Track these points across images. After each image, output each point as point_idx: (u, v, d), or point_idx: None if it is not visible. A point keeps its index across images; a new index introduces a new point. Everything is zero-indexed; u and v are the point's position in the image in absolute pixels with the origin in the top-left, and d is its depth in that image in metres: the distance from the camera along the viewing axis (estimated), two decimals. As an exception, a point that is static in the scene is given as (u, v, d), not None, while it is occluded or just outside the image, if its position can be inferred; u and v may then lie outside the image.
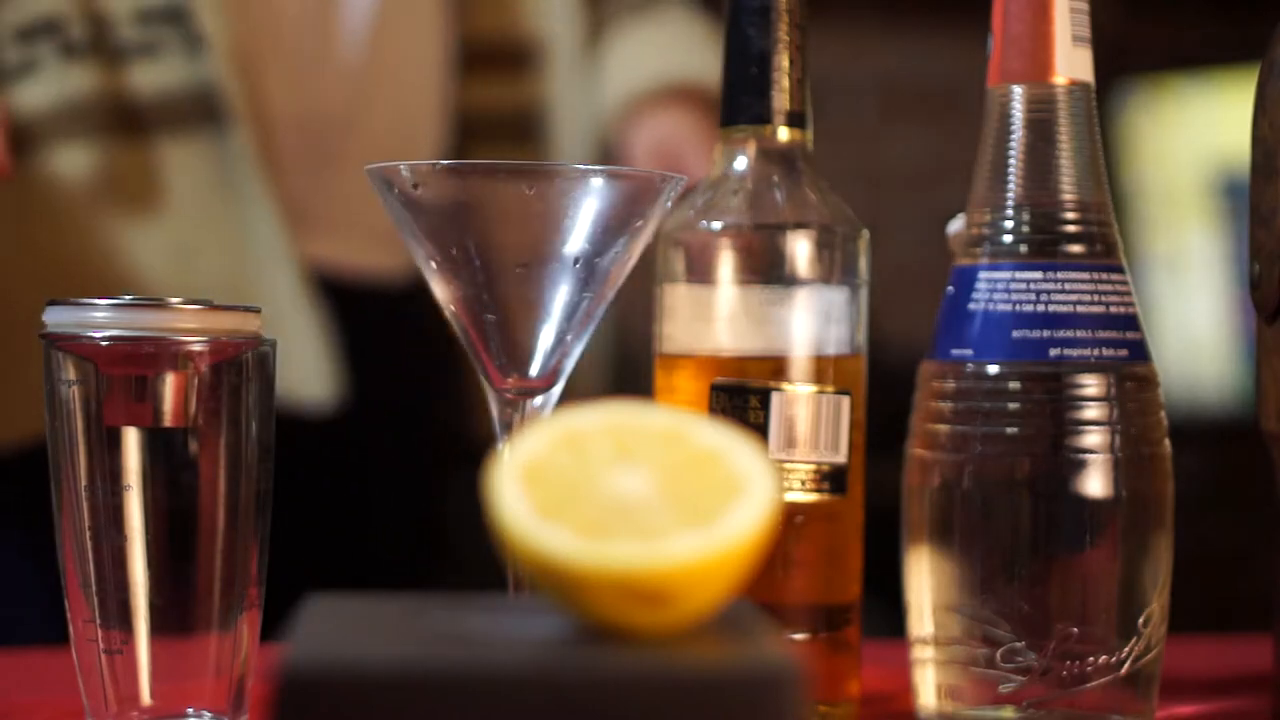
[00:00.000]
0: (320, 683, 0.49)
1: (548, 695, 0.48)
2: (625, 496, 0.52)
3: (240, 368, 0.69)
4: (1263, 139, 0.73)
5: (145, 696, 0.68)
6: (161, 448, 0.68)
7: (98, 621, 0.68)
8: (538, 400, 0.72)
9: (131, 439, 0.68)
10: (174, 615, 0.68)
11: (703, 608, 0.52)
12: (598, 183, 0.69)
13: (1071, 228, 0.71)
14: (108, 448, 0.67)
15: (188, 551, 0.68)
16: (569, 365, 0.72)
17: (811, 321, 0.74)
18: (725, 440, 0.53)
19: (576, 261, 0.70)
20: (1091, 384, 0.70)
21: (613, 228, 0.70)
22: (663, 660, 0.50)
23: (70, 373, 0.68)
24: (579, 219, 0.69)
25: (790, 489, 0.73)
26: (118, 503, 0.67)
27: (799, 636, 0.73)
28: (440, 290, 0.71)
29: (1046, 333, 0.70)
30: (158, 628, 0.68)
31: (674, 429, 0.54)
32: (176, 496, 0.68)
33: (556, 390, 0.73)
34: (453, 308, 0.71)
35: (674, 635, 0.52)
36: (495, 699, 0.48)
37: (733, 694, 0.49)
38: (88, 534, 0.68)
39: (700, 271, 0.74)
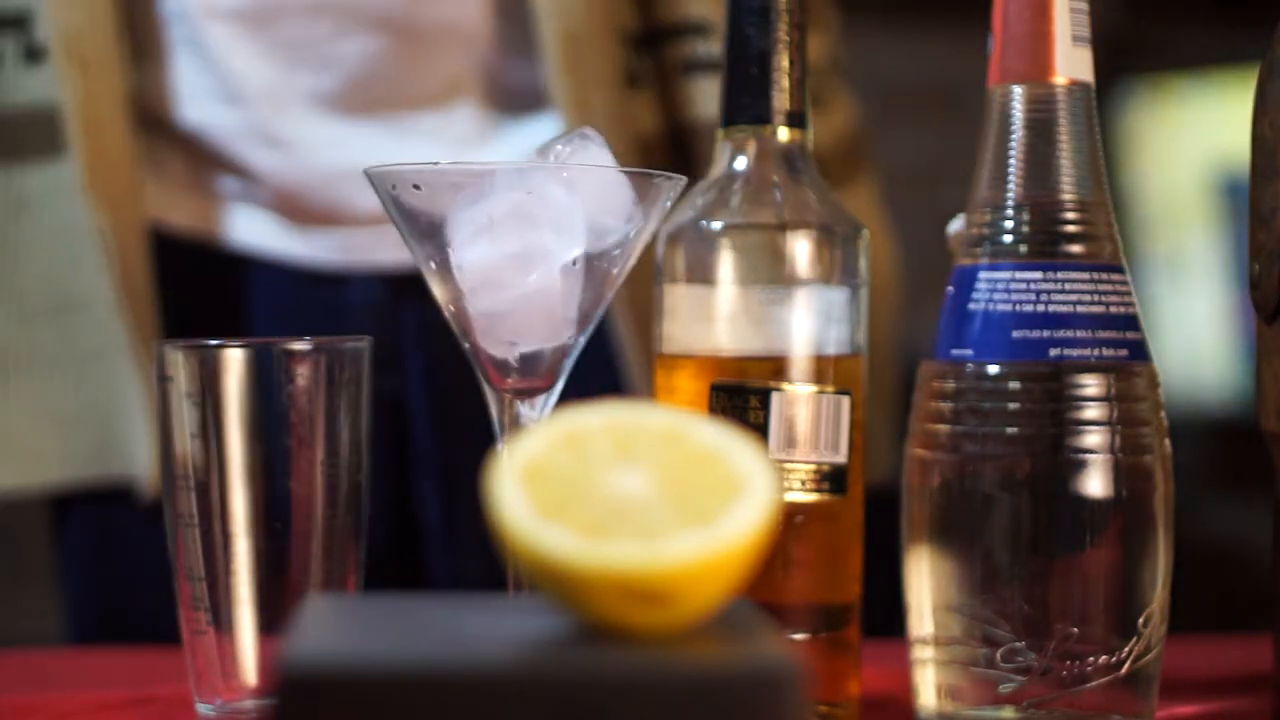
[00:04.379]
0: (319, 682, 0.49)
1: (548, 695, 0.49)
2: (625, 496, 0.52)
3: (335, 362, 0.72)
4: (1263, 139, 0.73)
5: (250, 677, 0.72)
6: (262, 440, 0.72)
7: (205, 607, 0.72)
8: (538, 400, 0.72)
9: (234, 432, 0.71)
10: (276, 600, 0.72)
11: (703, 608, 0.52)
12: (597, 183, 0.69)
13: (1071, 228, 0.71)
14: (210, 442, 0.71)
15: (289, 539, 0.72)
16: (569, 365, 0.72)
17: (811, 321, 0.74)
18: (725, 440, 0.53)
19: (576, 262, 0.70)
20: (1091, 384, 0.70)
21: (612, 228, 0.70)
22: (663, 660, 0.50)
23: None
24: (579, 219, 0.69)
25: (790, 489, 0.73)
26: (222, 494, 0.71)
27: (799, 636, 0.73)
28: (439, 290, 0.71)
29: (1046, 333, 0.70)
30: (261, 612, 0.72)
31: (674, 429, 0.54)
32: (276, 487, 0.72)
33: (556, 390, 0.73)
34: (451, 308, 0.71)
35: (674, 635, 0.52)
36: (495, 699, 0.48)
37: (733, 694, 0.49)
38: (195, 523, 0.71)
39: (700, 271, 0.74)
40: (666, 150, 1.01)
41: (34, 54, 0.99)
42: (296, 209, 1.02)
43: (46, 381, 1.00)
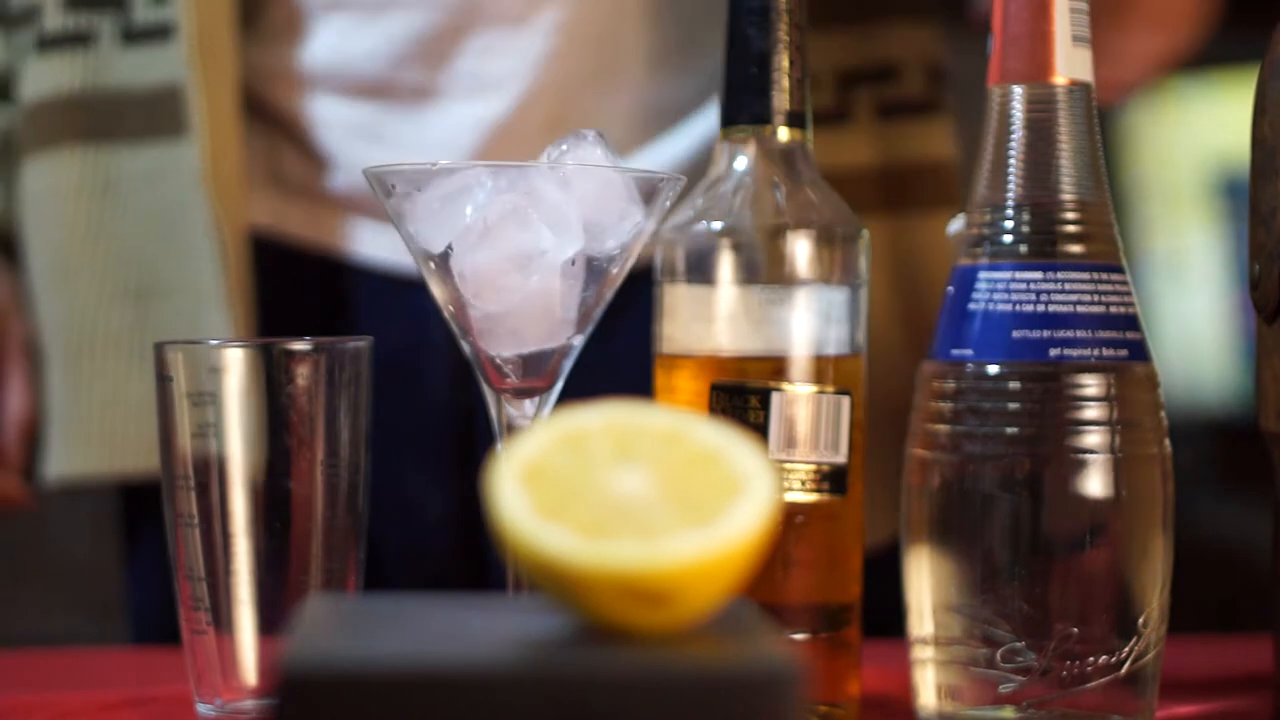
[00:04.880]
0: (319, 681, 0.49)
1: (548, 695, 0.49)
2: (625, 496, 0.52)
3: (335, 362, 0.72)
4: (1263, 139, 0.73)
5: (250, 677, 0.72)
6: (262, 440, 0.71)
7: (205, 607, 0.72)
8: (537, 400, 0.72)
9: (234, 432, 0.71)
10: (276, 600, 0.72)
11: (703, 608, 0.52)
12: (594, 182, 0.69)
13: (1071, 228, 0.71)
14: (210, 442, 0.71)
15: (289, 539, 0.72)
16: (569, 365, 0.72)
17: (811, 321, 0.74)
18: (725, 440, 0.53)
19: (575, 261, 0.70)
20: (1091, 384, 0.70)
21: (610, 227, 0.70)
22: (663, 660, 0.50)
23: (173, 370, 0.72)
24: (574, 218, 0.69)
25: (790, 489, 0.73)
26: (222, 494, 0.71)
27: (799, 636, 0.73)
28: (439, 291, 0.71)
29: (1046, 333, 0.70)
30: (261, 612, 0.72)
31: (674, 429, 0.54)
32: (276, 487, 0.72)
33: (556, 390, 0.73)
34: (451, 308, 0.71)
35: (674, 635, 0.52)
36: (495, 699, 0.48)
37: (733, 694, 0.49)
38: (195, 523, 0.71)
39: (700, 271, 0.74)
40: (874, 184, 0.98)
41: (132, 35, 0.98)
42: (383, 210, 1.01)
43: (124, 367, 0.98)
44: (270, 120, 1.01)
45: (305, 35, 0.99)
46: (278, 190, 1.02)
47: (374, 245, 1.01)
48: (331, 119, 1.00)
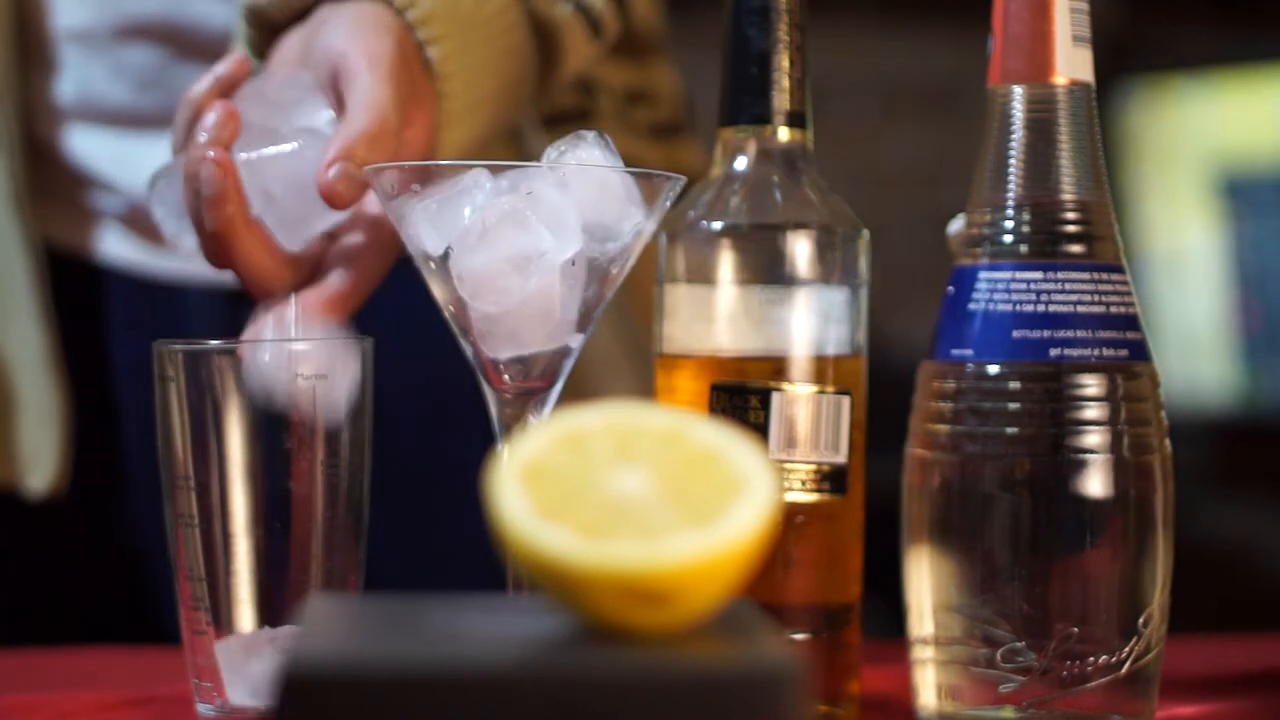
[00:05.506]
0: (321, 682, 0.49)
1: (548, 695, 0.49)
2: (625, 496, 0.52)
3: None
4: None
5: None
6: (262, 440, 0.71)
7: (205, 607, 0.72)
8: (537, 400, 0.72)
9: (234, 432, 0.71)
10: (277, 600, 0.72)
11: (703, 608, 0.52)
12: (593, 182, 0.69)
13: (1071, 228, 0.72)
14: (210, 442, 0.71)
15: (289, 539, 0.72)
16: (569, 365, 0.72)
17: (811, 321, 0.74)
18: (725, 440, 0.53)
19: (574, 262, 0.70)
20: (1091, 384, 0.70)
21: (612, 227, 0.70)
22: (663, 660, 0.50)
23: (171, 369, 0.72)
24: (573, 218, 0.69)
25: (790, 489, 0.73)
26: (222, 494, 0.71)
27: (799, 636, 0.74)
28: (439, 290, 0.71)
29: (1046, 333, 0.70)
30: (260, 613, 0.72)
31: (674, 429, 0.54)
32: (276, 487, 0.72)
33: (556, 390, 0.73)
34: (451, 308, 0.71)
35: (674, 635, 0.52)
36: (495, 699, 0.48)
37: (733, 694, 0.49)
38: (195, 523, 0.71)
39: (700, 271, 0.74)
40: None
41: None
42: (148, 226, 1.01)
43: None
44: (33, 151, 1.02)
45: (55, 67, 1.01)
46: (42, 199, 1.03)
47: (147, 259, 1.02)
48: (89, 149, 1.01)
